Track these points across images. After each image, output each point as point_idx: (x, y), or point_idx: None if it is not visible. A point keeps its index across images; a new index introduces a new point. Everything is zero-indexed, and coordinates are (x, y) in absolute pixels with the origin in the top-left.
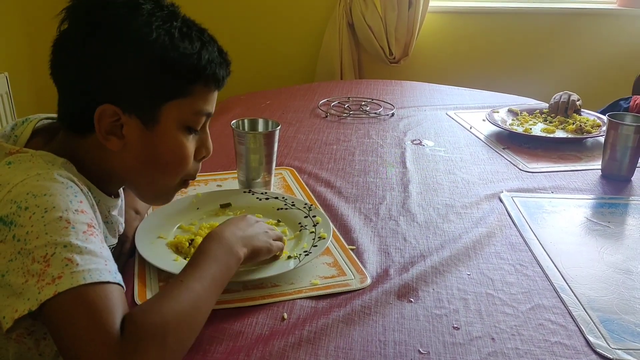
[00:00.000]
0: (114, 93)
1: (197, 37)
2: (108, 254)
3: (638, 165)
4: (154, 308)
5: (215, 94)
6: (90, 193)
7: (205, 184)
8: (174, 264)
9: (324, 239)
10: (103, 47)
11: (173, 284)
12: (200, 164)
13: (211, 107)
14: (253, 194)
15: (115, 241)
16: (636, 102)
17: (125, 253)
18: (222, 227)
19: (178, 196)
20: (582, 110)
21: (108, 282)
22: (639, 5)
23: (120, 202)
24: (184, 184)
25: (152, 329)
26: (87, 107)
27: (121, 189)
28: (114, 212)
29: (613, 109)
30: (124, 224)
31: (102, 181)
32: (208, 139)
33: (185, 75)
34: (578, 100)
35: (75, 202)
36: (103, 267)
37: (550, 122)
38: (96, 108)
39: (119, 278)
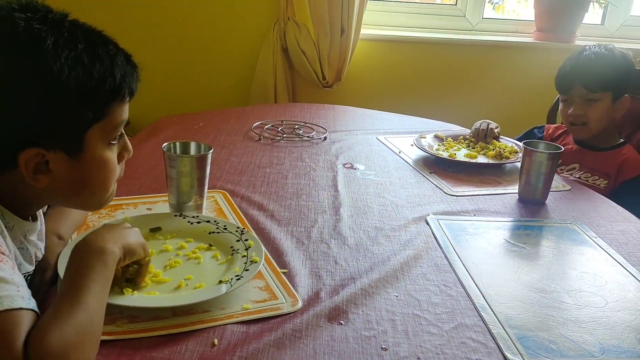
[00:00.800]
0: (33, 135)
1: (104, 53)
2: (20, 279)
3: (551, 189)
4: (53, 328)
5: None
6: (1, 217)
7: (134, 207)
8: None
9: (256, 262)
10: (14, 91)
11: (62, 301)
12: (123, 165)
13: (126, 114)
14: (184, 218)
15: (31, 268)
16: (549, 132)
17: (47, 282)
18: (87, 235)
19: (105, 220)
20: (501, 137)
21: (21, 309)
22: (552, 39)
23: (40, 225)
24: (114, 190)
25: (55, 350)
26: (6, 148)
27: (40, 212)
28: (32, 237)
29: (527, 136)
30: (43, 250)
31: (18, 205)
32: (126, 139)
33: (102, 99)
34: (496, 127)
35: None
36: (15, 294)
37: (473, 148)
38: (17, 149)
39: (32, 304)
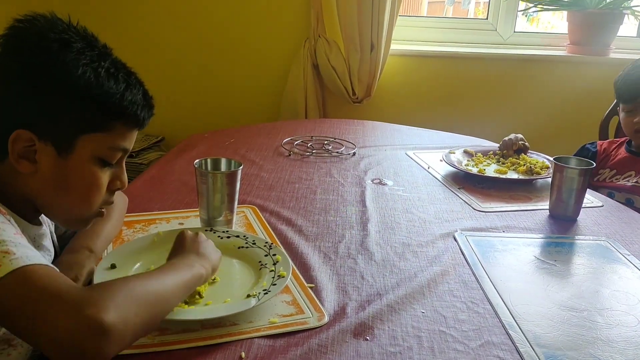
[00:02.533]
0: (32, 120)
1: (123, 78)
2: (40, 255)
3: (583, 205)
4: (118, 281)
5: (135, 133)
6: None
7: (167, 222)
8: None
9: (283, 277)
10: (29, 78)
11: (136, 275)
12: (114, 195)
13: (129, 144)
14: (214, 232)
15: None
16: (603, 147)
17: None
18: (189, 256)
19: (139, 234)
20: (532, 152)
21: (46, 265)
22: (586, 52)
23: (45, 228)
24: (99, 213)
25: (114, 291)
26: (5, 132)
27: (43, 217)
28: (44, 242)
29: (581, 153)
30: (52, 255)
31: (22, 209)
32: (123, 172)
33: (106, 112)
34: (522, 140)
35: None
36: (40, 258)
37: (503, 164)
38: (10, 130)
39: (52, 266)
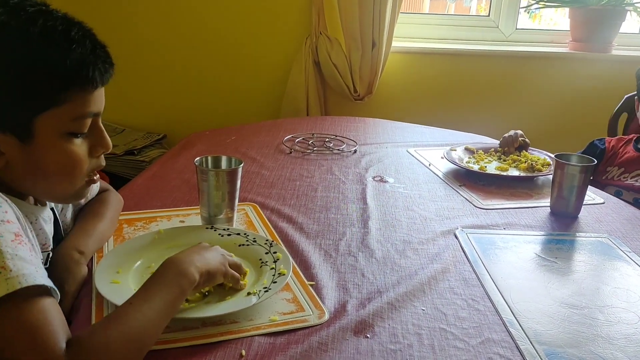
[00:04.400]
0: None
1: (63, 38)
2: (38, 261)
3: (584, 203)
4: (100, 330)
5: (99, 92)
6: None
7: (168, 220)
8: None
9: (284, 275)
10: None
11: (122, 307)
12: (102, 157)
13: (96, 106)
14: (215, 230)
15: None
16: (611, 144)
17: (65, 312)
18: (178, 253)
19: (140, 232)
20: (533, 149)
21: (43, 286)
22: (589, 49)
23: (52, 211)
24: (90, 180)
25: (96, 350)
26: None
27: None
28: (46, 226)
29: (590, 149)
30: (50, 241)
31: (19, 194)
32: (102, 134)
33: (52, 85)
34: (522, 136)
35: (0, 212)
36: (34, 272)
37: (504, 161)
38: None
39: (50, 283)
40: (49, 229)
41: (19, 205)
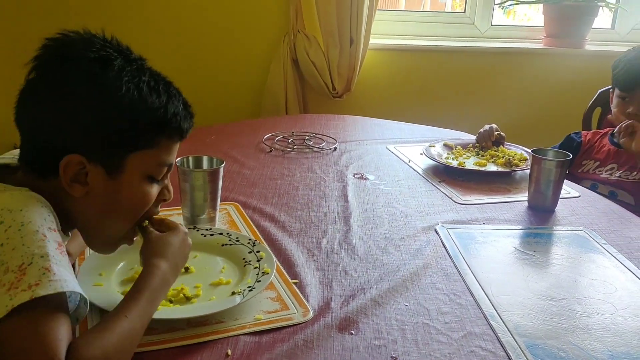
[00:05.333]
0: (80, 143)
1: (164, 90)
2: (73, 273)
3: (560, 196)
4: (96, 341)
5: (177, 145)
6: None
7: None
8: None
9: (268, 274)
10: (72, 101)
11: (114, 316)
12: (159, 207)
13: (173, 157)
14: (198, 230)
15: None
16: (587, 137)
17: None
18: (159, 259)
19: None
20: (510, 144)
21: (81, 295)
22: (562, 45)
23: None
24: (134, 231)
25: (95, 355)
26: (52, 154)
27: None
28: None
29: (567, 142)
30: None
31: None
32: (169, 185)
33: (152, 128)
34: (497, 130)
35: (49, 220)
36: (74, 281)
37: (482, 156)
38: (61, 156)
39: (84, 294)
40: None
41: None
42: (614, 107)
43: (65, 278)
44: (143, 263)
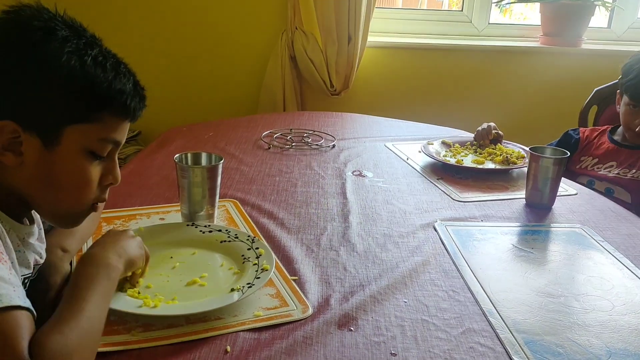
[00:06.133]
0: (16, 110)
1: (112, 67)
2: (17, 280)
3: (558, 194)
4: (56, 332)
5: (126, 125)
6: None
7: (147, 217)
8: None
9: (267, 270)
10: (11, 66)
11: (65, 308)
12: (108, 190)
13: (120, 136)
14: (196, 227)
15: (28, 272)
16: (585, 134)
17: (49, 304)
18: (92, 248)
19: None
20: (508, 142)
21: (19, 307)
22: (559, 43)
23: (38, 229)
24: (93, 207)
25: (57, 352)
26: None
27: (36, 215)
28: (32, 240)
29: (565, 139)
30: (44, 253)
31: (9, 206)
32: (116, 166)
33: (91, 102)
34: (495, 129)
35: None
36: (12, 293)
37: (480, 154)
38: None
39: (28, 303)
40: (37, 243)
41: (11, 225)
42: (622, 112)
43: (6, 293)
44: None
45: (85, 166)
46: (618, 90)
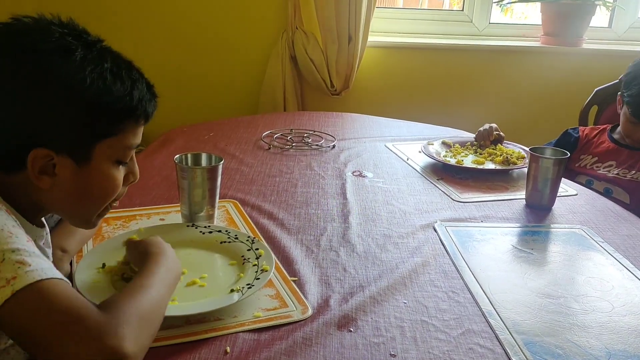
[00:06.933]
0: (46, 136)
1: (127, 75)
2: (49, 261)
3: (558, 195)
4: (127, 299)
5: (143, 127)
6: (15, 222)
7: (147, 218)
8: None
9: (267, 271)
10: (34, 93)
11: (136, 283)
12: (127, 187)
13: (139, 138)
14: (196, 228)
15: None
16: (585, 132)
17: None
18: (159, 249)
19: (120, 231)
20: (509, 142)
21: (61, 279)
22: (559, 43)
23: (46, 233)
24: (108, 208)
25: (129, 315)
26: (17, 148)
27: (44, 219)
28: (41, 243)
29: (564, 138)
30: (51, 257)
31: (25, 211)
32: (135, 165)
33: (119, 117)
34: (496, 130)
35: (9, 222)
36: (52, 267)
37: (480, 154)
38: (26, 150)
39: (66, 280)
40: (45, 245)
41: (27, 227)
42: (622, 120)
43: (42, 267)
44: (140, 262)
45: (114, 174)
46: (619, 93)
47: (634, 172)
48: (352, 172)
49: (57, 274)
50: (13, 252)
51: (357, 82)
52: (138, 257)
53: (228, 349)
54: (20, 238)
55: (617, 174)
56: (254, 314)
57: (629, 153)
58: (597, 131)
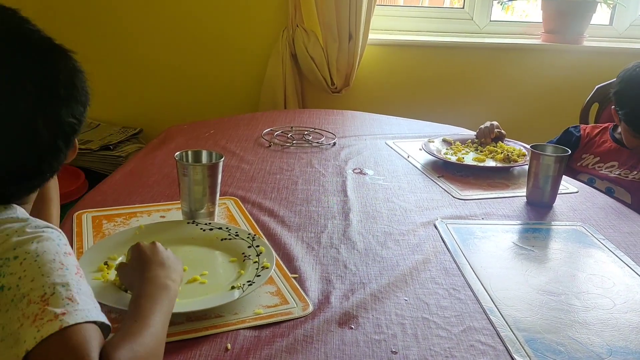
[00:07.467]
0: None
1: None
2: (92, 295)
3: (559, 192)
4: (125, 346)
5: None
6: None
7: (148, 215)
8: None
9: (267, 268)
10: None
11: (132, 323)
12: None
13: None
14: (197, 225)
15: None
16: (586, 131)
17: None
18: (148, 272)
19: (120, 228)
20: (509, 140)
21: (102, 323)
22: (560, 40)
23: None
24: None
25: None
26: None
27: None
28: None
29: (565, 136)
30: None
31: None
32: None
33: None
34: (497, 128)
35: (62, 244)
36: (95, 308)
37: (481, 152)
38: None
39: (103, 317)
40: None
41: None
42: (623, 130)
43: (88, 307)
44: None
45: None
46: (613, 107)
47: (635, 172)
48: (353, 170)
49: (101, 316)
50: (63, 286)
51: (357, 79)
52: (133, 263)
53: (229, 345)
54: (70, 270)
55: (619, 174)
56: (254, 311)
57: (630, 153)
58: (598, 130)
